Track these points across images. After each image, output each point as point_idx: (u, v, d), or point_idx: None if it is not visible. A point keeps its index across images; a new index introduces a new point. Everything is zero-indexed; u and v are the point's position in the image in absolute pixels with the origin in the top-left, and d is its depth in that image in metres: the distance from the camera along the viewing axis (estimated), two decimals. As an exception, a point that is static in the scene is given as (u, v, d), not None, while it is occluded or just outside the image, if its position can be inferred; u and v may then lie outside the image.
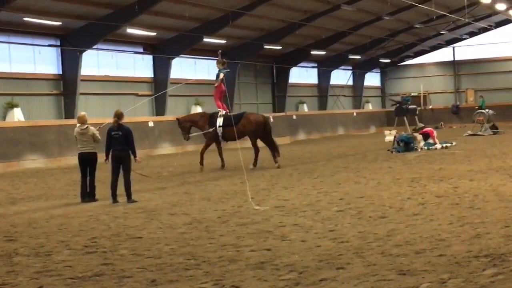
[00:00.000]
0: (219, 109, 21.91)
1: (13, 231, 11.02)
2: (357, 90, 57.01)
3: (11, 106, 28.89)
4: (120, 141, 14.42)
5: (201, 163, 21.47)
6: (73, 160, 22.28)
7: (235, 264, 7.85)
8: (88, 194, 14.79)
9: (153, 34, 34.46)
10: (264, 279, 7.10)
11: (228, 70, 22.80)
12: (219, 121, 21.57)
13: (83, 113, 15.55)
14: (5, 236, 10.57)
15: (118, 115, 14.57)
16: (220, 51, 23.25)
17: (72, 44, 31.28)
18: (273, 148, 21.61)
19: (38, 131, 27.19)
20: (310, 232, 9.72)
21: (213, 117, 21.93)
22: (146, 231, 10.48)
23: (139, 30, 33.06)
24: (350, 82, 56.23)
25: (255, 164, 21.32)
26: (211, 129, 21.67)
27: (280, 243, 9.02)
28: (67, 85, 31.57)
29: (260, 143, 21.93)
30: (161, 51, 36.28)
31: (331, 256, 8.04)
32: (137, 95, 34.79)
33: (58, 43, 31.65)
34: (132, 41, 34.87)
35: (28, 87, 30.26)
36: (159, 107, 36.27)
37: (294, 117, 43.63)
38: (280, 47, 43.12)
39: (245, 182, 14.70)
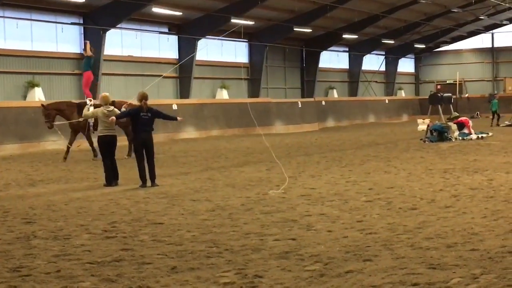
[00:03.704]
0: (88, 98, 21.51)
1: (32, 214, 10.95)
2: (389, 76, 56.27)
3: (32, 85, 28.76)
4: (149, 123, 14.21)
5: (65, 156, 20.65)
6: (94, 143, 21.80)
7: (258, 253, 7.74)
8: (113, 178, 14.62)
9: (179, 13, 33.92)
10: (288, 269, 7.00)
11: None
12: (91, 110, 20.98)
13: (106, 93, 15.33)
14: (23, 218, 10.53)
15: (146, 97, 14.26)
16: (88, 41, 23.38)
17: (95, 23, 30.86)
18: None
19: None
20: (337, 222, 9.57)
21: (81, 106, 21.29)
22: (167, 217, 10.35)
23: (165, 9, 32.59)
24: (383, 68, 55.40)
25: (130, 154, 20.56)
26: (81, 119, 20.83)
27: (305, 233, 8.88)
28: (89, 65, 30.96)
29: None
30: (187, 32, 35.49)
31: (358, 247, 7.90)
32: (161, 76, 34.07)
33: (81, 21, 31.24)
34: (157, 20, 34.49)
35: (50, 66, 29.90)
36: (184, 90, 35.67)
37: (323, 103, 43.29)
38: (310, 30, 42.34)
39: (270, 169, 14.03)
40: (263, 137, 18.70)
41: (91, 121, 20.69)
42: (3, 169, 18.51)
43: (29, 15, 28.90)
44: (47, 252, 8.02)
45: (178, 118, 15.14)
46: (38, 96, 28.28)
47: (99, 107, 15.30)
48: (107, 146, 14.63)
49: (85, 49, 22.52)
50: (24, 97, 28.39)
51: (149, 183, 14.02)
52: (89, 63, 22.07)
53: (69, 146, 20.98)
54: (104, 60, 31.02)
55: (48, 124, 21.07)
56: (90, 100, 21.30)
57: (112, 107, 14.81)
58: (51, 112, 21.16)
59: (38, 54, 29.26)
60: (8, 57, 28.28)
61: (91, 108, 20.71)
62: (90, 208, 11.37)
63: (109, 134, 14.66)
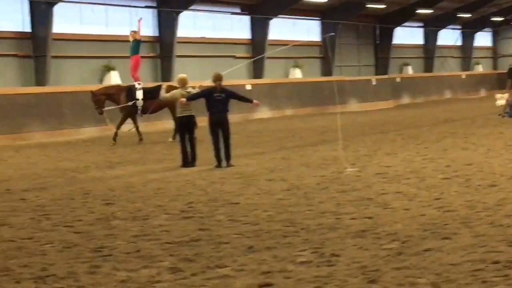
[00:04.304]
0: (136, 82, 21.35)
1: (111, 195, 11.16)
2: (466, 51, 54.81)
3: (108, 69, 29.05)
4: (223, 103, 14.18)
5: (114, 138, 20.60)
6: (169, 124, 22.06)
7: (334, 232, 7.71)
8: (190, 159, 14.69)
9: (251, -7, 33.70)
10: (365, 248, 6.96)
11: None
12: (139, 94, 20.96)
13: (183, 75, 15.41)
14: (103, 199, 10.74)
15: (220, 78, 14.24)
16: (141, 18, 23.00)
17: (168, 5, 30.99)
18: None
19: (135, 95, 27.02)
20: (414, 200, 9.43)
21: (130, 90, 21.22)
22: (243, 197, 10.40)
23: (237, -11, 32.40)
24: (459, 43, 53.94)
25: (174, 137, 19.94)
26: (130, 103, 20.91)
27: (382, 211, 8.81)
28: (163, 47, 31.44)
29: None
30: (259, 12, 35.38)
31: (436, 225, 7.78)
32: (234, 57, 34.15)
33: (155, 4, 31.42)
34: (230, 1, 34.42)
35: (125, 49, 30.01)
36: (257, 70, 35.56)
37: (398, 79, 42.59)
38: (384, 6, 41.61)
39: (339, 149, 13.98)
40: (338, 116, 18.51)
41: (140, 104, 20.93)
42: (82, 152, 18.90)
43: (104, 0, 29.27)
44: (126, 233, 8.16)
45: (254, 101, 14.89)
46: (114, 79, 28.68)
47: (175, 89, 15.46)
48: (186, 126, 14.75)
49: (136, 31, 22.20)
50: (101, 81, 28.73)
51: (224, 163, 14.06)
52: (138, 47, 22.00)
53: (138, 128, 21.25)
54: (178, 42, 31.21)
55: (99, 110, 21.20)
56: (139, 84, 21.44)
57: (190, 88, 14.93)
58: (100, 97, 21.24)
59: (114, 38, 29.48)
60: (84, 42, 28.70)
61: (140, 92, 21.01)
62: (167, 189, 11.47)
63: (187, 114, 14.71)
